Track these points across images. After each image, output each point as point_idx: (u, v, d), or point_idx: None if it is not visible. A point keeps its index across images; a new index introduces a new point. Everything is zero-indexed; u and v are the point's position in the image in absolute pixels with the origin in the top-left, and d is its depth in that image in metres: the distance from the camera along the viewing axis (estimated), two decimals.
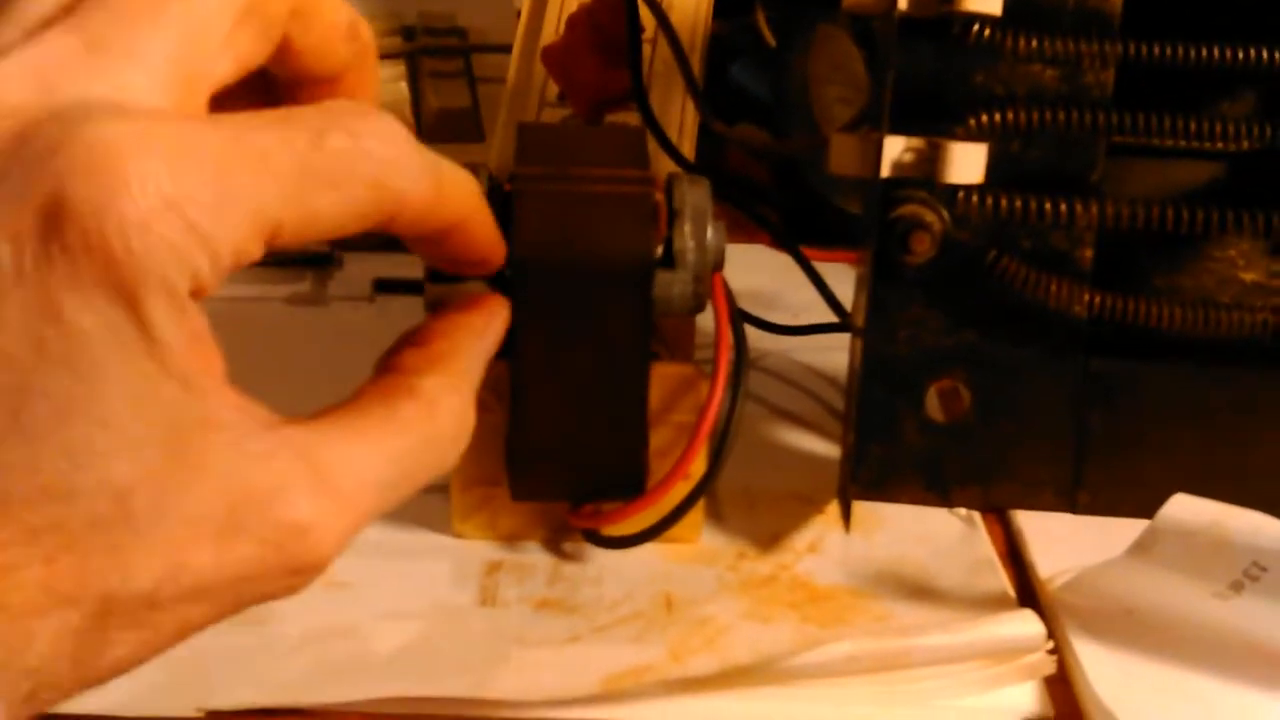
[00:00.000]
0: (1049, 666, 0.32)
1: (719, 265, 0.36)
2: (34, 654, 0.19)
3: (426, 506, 0.39)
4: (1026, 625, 0.32)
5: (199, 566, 0.20)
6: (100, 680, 0.20)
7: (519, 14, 0.60)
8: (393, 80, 0.66)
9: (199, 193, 0.19)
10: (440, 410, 0.25)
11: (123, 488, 0.19)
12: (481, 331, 0.29)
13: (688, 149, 0.53)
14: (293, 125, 0.21)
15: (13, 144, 0.19)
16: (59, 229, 0.18)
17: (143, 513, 0.20)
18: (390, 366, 0.26)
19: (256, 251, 0.21)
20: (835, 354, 0.48)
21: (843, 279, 0.50)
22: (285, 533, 0.21)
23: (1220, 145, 0.37)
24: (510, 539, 0.37)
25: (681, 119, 0.54)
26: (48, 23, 0.21)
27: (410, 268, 0.34)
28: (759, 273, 0.52)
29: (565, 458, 0.36)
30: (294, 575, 0.22)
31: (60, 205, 0.18)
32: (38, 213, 0.18)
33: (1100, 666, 0.31)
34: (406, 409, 0.25)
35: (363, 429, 0.23)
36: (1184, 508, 0.31)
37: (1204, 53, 0.36)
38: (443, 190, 0.24)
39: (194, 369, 0.20)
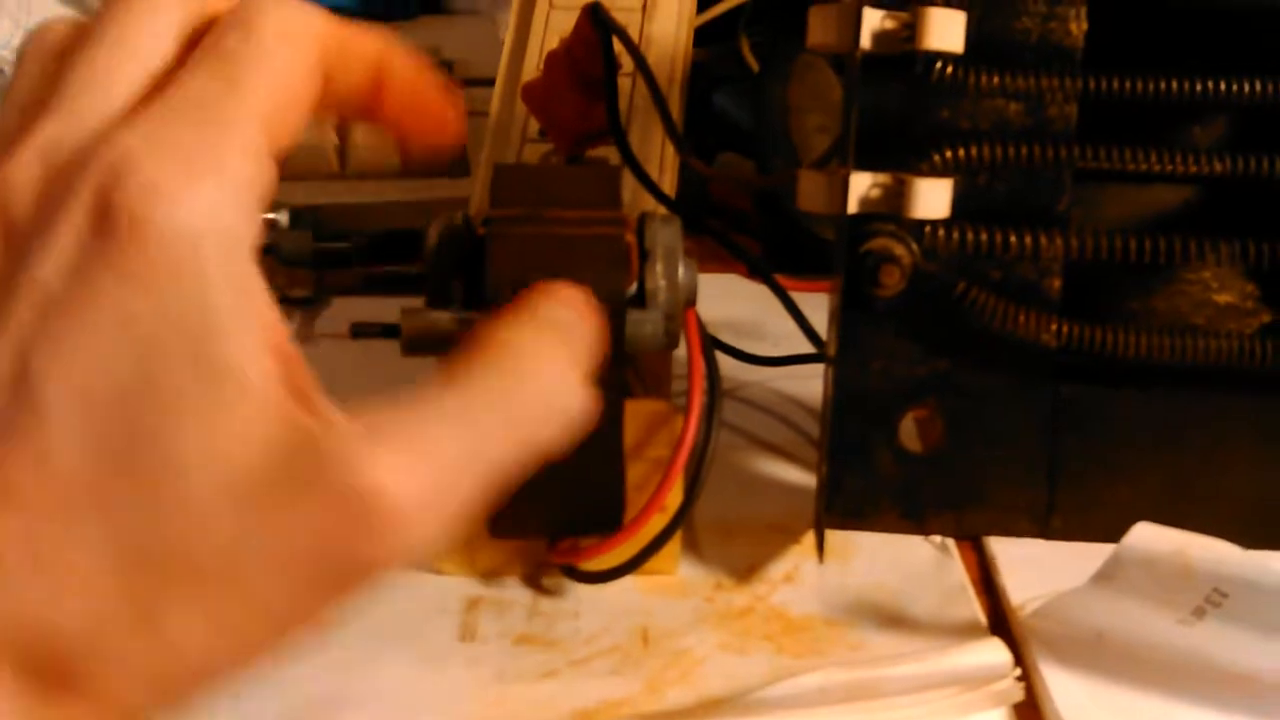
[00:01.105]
0: (1018, 693, 0.32)
1: (691, 301, 0.37)
2: (70, 610, 0.20)
3: None
4: (993, 653, 0.33)
5: (233, 530, 0.20)
6: (183, 662, 0.21)
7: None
8: None
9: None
10: (511, 352, 0.24)
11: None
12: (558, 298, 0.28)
13: (669, 182, 0.54)
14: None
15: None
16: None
17: (172, 472, 0.20)
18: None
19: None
20: (814, 383, 0.48)
21: (822, 308, 0.50)
22: (344, 488, 0.20)
23: (1190, 170, 0.38)
24: (490, 575, 0.38)
25: (663, 152, 0.55)
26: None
27: (389, 313, 0.35)
28: (741, 302, 0.53)
29: (543, 494, 0.36)
30: (371, 538, 0.20)
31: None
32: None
33: (1068, 693, 0.32)
34: (466, 360, 0.24)
35: (419, 390, 0.22)
36: (1146, 536, 0.31)
37: (1166, 85, 0.37)
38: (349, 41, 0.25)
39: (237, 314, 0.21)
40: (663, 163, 0.55)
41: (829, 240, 0.59)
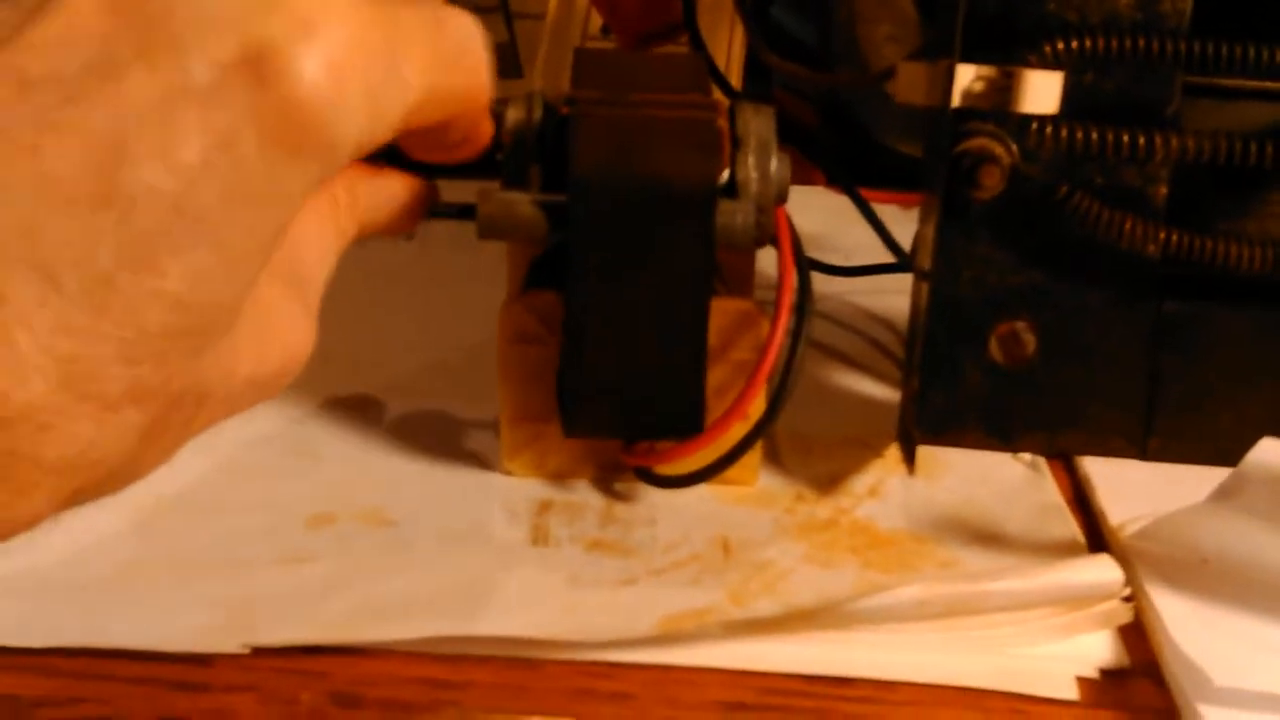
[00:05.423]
0: (1126, 615, 0.30)
1: (782, 198, 0.35)
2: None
3: (473, 442, 0.38)
4: (1104, 571, 0.31)
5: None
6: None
7: None
8: None
9: (374, 66, 0.20)
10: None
11: None
12: None
13: (733, 83, 0.51)
14: (421, 10, 0.22)
15: None
16: (258, 68, 0.19)
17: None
18: None
19: (394, 132, 0.22)
20: (890, 297, 0.46)
21: (893, 220, 0.48)
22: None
23: None
24: (559, 476, 0.36)
25: (728, 54, 0.53)
26: None
27: (459, 192, 0.33)
28: (808, 214, 0.51)
29: (620, 393, 0.34)
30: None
31: (261, 49, 0.19)
32: (239, 49, 0.19)
33: (1179, 616, 0.30)
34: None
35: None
36: (1274, 452, 0.29)
37: None
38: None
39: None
40: (728, 65, 0.52)
41: (898, 151, 0.57)
